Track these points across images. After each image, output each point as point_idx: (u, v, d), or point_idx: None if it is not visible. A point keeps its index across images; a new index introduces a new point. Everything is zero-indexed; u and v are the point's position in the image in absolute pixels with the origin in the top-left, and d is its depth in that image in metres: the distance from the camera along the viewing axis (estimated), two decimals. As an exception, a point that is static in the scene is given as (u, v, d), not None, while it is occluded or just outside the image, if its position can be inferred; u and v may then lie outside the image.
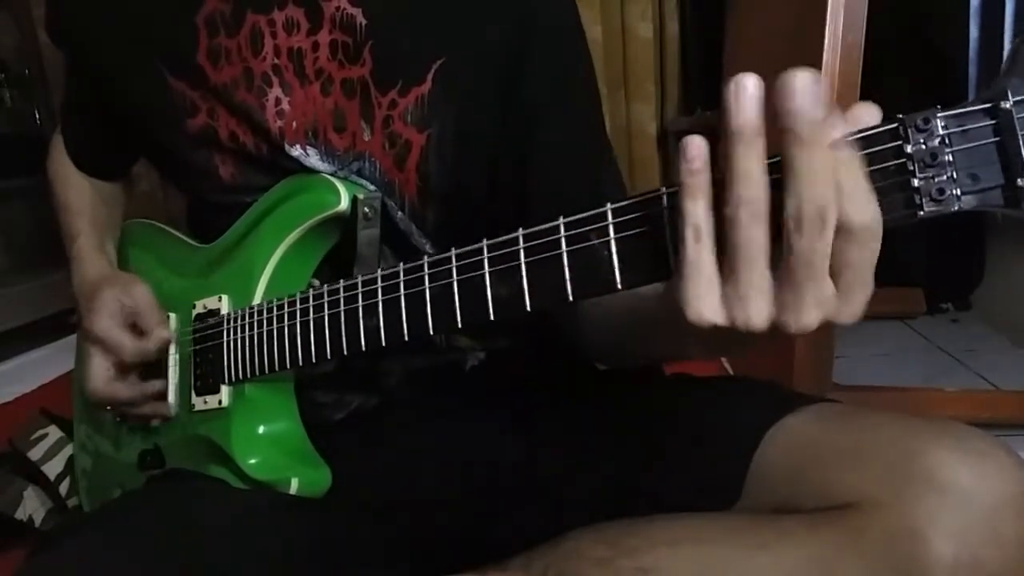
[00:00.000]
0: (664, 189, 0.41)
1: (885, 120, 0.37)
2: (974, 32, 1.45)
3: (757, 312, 0.36)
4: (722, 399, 0.63)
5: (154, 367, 0.71)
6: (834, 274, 0.35)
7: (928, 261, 1.83)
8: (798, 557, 0.47)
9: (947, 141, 0.35)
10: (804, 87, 0.34)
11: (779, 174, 0.35)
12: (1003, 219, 1.49)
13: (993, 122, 0.35)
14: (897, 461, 0.47)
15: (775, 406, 0.56)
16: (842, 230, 0.34)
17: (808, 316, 0.36)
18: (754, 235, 0.35)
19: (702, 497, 0.54)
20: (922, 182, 0.36)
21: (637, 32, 2.17)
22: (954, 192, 0.35)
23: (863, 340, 1.69)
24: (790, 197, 0.34)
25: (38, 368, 1.95)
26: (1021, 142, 0.34)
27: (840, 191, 0.34)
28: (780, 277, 0.36)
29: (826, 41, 1.04)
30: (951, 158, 0.35)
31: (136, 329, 0.69)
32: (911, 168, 0.36)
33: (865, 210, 0.34)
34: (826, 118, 0.34)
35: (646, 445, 0.60)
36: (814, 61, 1.05)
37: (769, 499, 0.52)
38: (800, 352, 1.16)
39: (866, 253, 0.35)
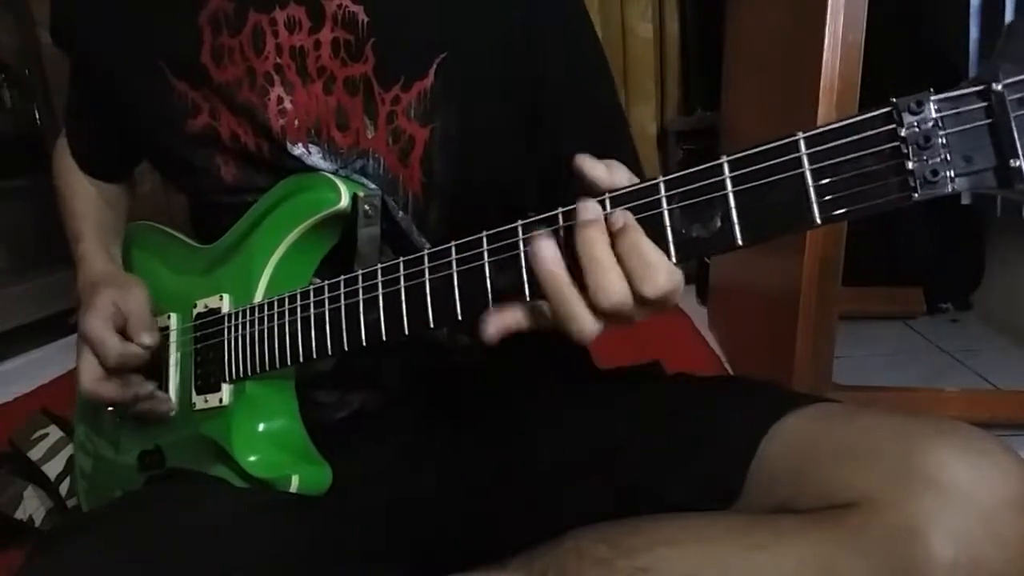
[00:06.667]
0: (661, 178, 0.43)
1: (878, 104, 0.37)
2: (974, 32, 1.45)
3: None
4: (722, 399, 0.63)
5: (149, 367, 0.71)
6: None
7: (928, 261, 1.83)
8: (797, 557, 0.47)
9: (940, 124, 0.36)
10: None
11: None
12: (1002, 213, 1.49)
13: (985, 104, 0.35)
14: (897, 461, 0.47)
15: (775, 406, 0.56)
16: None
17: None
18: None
19: (702, 497, 0.54)
20: (916, 165, 0.36)
21: (637, 32, 2.18)
22: (948, 174, 0.36)
23: (863, 340, 1.69)
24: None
25: (38, 368, 1.96)
26: (1013, 123, 0.34)
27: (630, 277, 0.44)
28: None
29: (826, 41, 1.04)
30: (944, 140, 0.36)
31: (126, 332, 0.69)
32: (905, 151, 0.36)
33: (655, 285, 0.43)
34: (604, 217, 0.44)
35: (646, 445, 0.60)
36: (814, 61, 1.05)
37: (769, 499, 0.52)
38: (800, 352, 1.16)
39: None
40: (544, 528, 0.54)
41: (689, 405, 0.63)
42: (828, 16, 1.03)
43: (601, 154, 0.68)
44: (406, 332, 0.53)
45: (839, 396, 0.64)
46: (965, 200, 1.56)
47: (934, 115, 0.36)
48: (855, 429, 0.52)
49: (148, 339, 0.68)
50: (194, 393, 0.68)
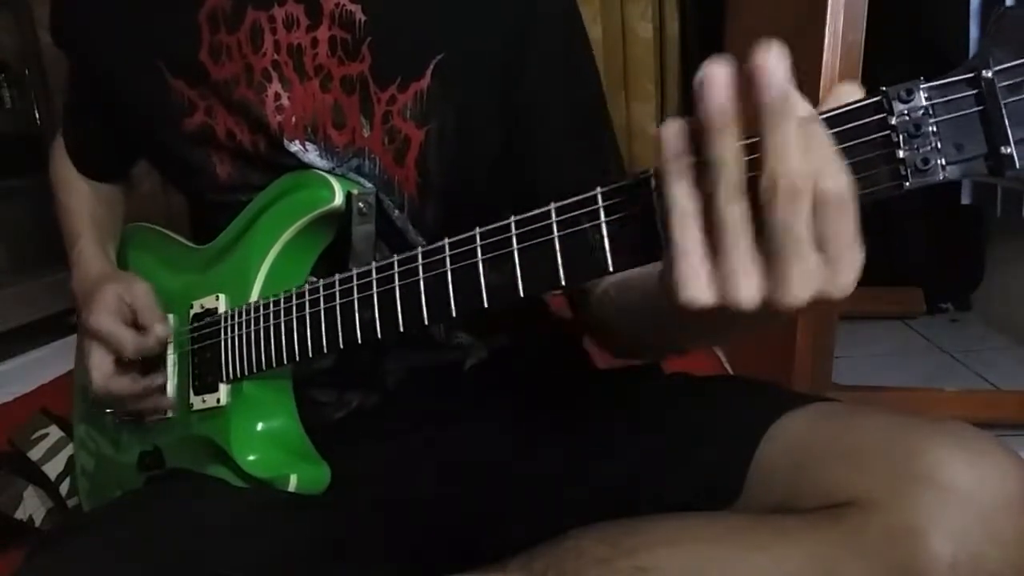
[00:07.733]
0: (652, 171, 0.42)
1: (869, 93, 0.37)
2: (974, 32, 1.45)
3: (747, 290, 0.36)
4: (722, 399, 0.63)
5: (152, 363, 0.71)
6: (819, 247, 0.35)
7: (928, 261, 1.82)
8: (797, 557, 0.47)
9: (930, 112, 0.36)
10: (775, 65, 0.34)
11: (757, 153, 0.35)
12: (1002, 213, 1.49)
13: (975, 91, 0.35)
14: (896, 460, 0.47)
15: (774, 406, 0.56)
16: (817, 201, 0.34)
17: (797, 290, 0.35)
18: (735, 214, 0.35)
19: (702, 497, 0.54)
20: (907, 153, 0.36)
21: (637, 32, 2.17)
22: (939, 162, 0.35)
23: (863, 340, 1.69)
24: (764, 173, 0.34)
25: (38, 368, 1.95)
26: (1004, 111, 0.34)
27: (811, 164, 0.34)
28: (766, 253, 0.35)
29: (826, 41, 1.04)
30: (935, 128, 0.35)
31: (136, 325, 0.69)
32: (895, 140, 0.36)
33: (837, 180, 0.34)
34: (794, 95, 0.34)
35: (646, 445, 0.60)
36: (814, 61, 1.05)
37: (768, 498, 0.52)
38: (800, 352, 1.16)
39: (845, 222, 0.35)
40: (544, 528, 0.54)
41: (688, 405, 0.63)
42: (828, 16, 1.03)
43: (578, 158, 0.68)
44: (401, 329, 0.53)
45: (839, 396, 0.64)
46: (965, 200, 1.55)
47: (924, 103, 0.36)
48: (854, 429, 0.52)
49: (163, 330, 0.69)
50: (192, 394, 0.68)
